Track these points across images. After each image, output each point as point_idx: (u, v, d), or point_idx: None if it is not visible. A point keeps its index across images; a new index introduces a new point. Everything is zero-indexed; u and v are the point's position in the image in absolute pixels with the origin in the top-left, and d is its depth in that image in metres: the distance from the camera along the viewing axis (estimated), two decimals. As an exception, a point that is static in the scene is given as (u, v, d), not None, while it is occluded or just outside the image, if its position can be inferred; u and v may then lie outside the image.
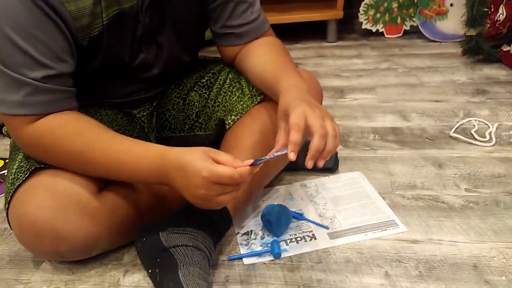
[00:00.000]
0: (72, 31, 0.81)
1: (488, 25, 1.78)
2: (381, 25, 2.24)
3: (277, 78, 0.93)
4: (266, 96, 1.01)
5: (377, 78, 1.79)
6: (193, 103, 1.09)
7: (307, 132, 0.79)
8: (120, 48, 0.92)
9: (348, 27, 2.41)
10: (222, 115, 1.05)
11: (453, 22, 2.07)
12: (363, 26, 2.25)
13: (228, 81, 1.08)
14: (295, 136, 0.77)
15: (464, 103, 1.52)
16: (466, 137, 1.28)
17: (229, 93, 1.06)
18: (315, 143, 0.76)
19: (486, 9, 1.73)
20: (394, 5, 2.19)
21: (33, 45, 0.76)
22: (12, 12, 0.74)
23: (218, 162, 0.74)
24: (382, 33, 2.26)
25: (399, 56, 2.01)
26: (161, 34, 0.97)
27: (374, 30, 2.25)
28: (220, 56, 1.11)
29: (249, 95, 1.03)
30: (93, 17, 0.83)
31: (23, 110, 0.78)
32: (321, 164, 0.78)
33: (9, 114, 0.80)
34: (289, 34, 2.29)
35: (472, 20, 1.75)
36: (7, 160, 1.32)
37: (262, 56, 1.01)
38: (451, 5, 2.08)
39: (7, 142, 1.38)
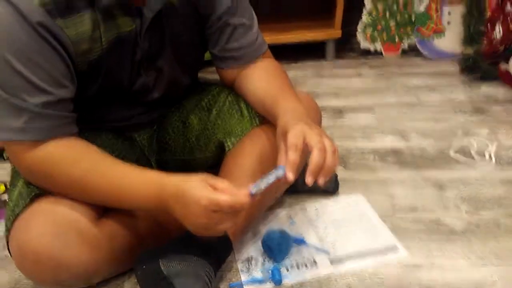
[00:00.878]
0: (71, 56, 0.82)
1: (485, 43, 1.79)
2: (379, 44, 2.25)
3: (275, 101, 0.93)
4: (265, 119, 1.01)
5: (376, 97, 1.80)
6: (192, 126, 1.09)
7: (306, 154, 0.79)
8: (119, 72, 0.92)
9: (346, 46, 2.42)
10: (221, 137, 1.05)
11: (450, 40, 2.09)
12: (361, 45, 2.27)
13: (227, 103, 1.08)
14: (293, 156, 0.76)
15: (463, 122, 1.52)
16: (466, 157, 1.28)
17: (229, 116, 1.06)
18: (315, 157, 0.76)
19: (482, 28, 1.75)
20: (392, 23, 2.20)
21: (33, 70, 0.76)
22: (13, 38, 0.75)
23: (217, 190, 0.73)
24: (380, 52, 2.27)
25: (398, 75, 2.02)
26: (160, 58, 0.97)
27: (372, 49, 2.27)
28: (219, 78, 1.12)
29: (248, 118, 1.03)
30: (92, 42, 0.84)
31: (23, 136, 0.79)
32: (321, 181, 0.76)
33: (9, 140, 0.80)
34: (287, 53, 2.31)
35: (469, 38, 1.78)
36: (8, 185, 1.32)
37: (260, 79, 1.01)
38: (448, 23, 2.10)
39: (7, 165, 1.38)
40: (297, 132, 0.78)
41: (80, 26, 0.80)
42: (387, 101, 1.75)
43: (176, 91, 1.09)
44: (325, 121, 1.43)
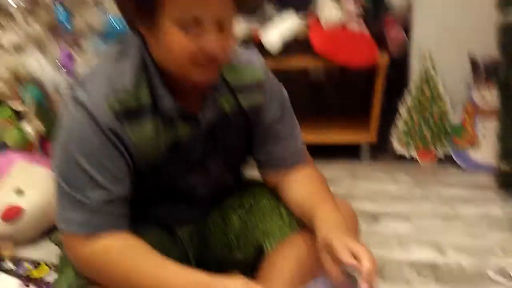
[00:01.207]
0: (133, 158, 0.88)
1: (522, 161, 1.81)
2: (414, 151, 2.29)
3: (314, 208, 0.96)
4: (305, 224, 1.03)
5: (412, 205, 1.81)
6: (233, 225, 1.12)
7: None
8: (173, 173, 0.98)
9: (381, 148, 2.46)
10: (260, 239, 1.06)
11: (485, 152, 2.11)
12: (397, 151, 2.31)
13: (268, 205, 1.11)
14: (367, 264, 0.77)
15: (501, 240, 1.50)
16: (506, 280, 1.24)
17: (269, 218, 1.08)
18: (367, 266, 0.77)
19: (519, 145, 1.77)
20: (427, 133, 2.26)
21: (98, 170, 0.82)
22: (84, 140, 0.82)
23: None
24: (415, 158, 2.30)
25: (433, 183, 2.03)
26: (210, 161, 1.02)
27: (407, 154, 2.30)
28: (261, 178, 1.16)
29: (288, 222, 1.05)
30: (152, 145, 0.90)
31: (82, 229, 0.83)
32: None
33: (69, 232, 0.84)
34: (323, 152, 2.36)
35: (504, 154, 1.79)
36: (50, 266, 1.35)
37: (300, 185, 1.04)
38: (483, 136, 2.14)
39: (47, 245, 1.42)
40: (343, 244, 0.80)
41: (143, 131, 0.87)
42: (423, 211, 1.75)
43: (221, 190, 1.13)
44: (361, 226, 1.44)
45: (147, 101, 0.87)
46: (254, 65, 1.01)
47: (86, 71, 0.92)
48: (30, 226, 1.53)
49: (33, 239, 1.57)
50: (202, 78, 0.84)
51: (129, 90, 0.84)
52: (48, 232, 1.47)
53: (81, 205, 0.82)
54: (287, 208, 1.07)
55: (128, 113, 0.84)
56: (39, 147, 1.58)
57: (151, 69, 0.86)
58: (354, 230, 1.09)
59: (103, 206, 0.83)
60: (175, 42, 0.78)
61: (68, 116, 0.83)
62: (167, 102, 0.87)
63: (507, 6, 1.66)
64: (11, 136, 1.56)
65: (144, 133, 0.87)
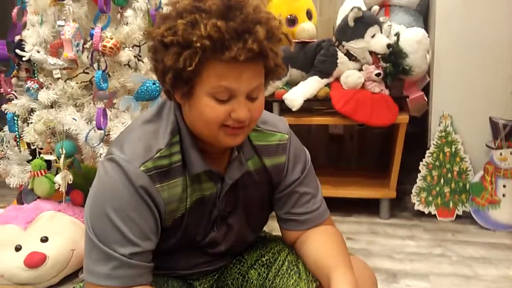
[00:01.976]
0: (161, 214, 0.92)
1: (543, 222, 1.80)
2: (433, 208, 2.29)
3: (330, 269, 0.97)
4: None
5: (431, 264, 1.80)
6: (251, 281, 1.14)
7: None
8: (196, 228, 1.02)
9: (400, 204, 2.46)
10: (278, 298, 1.08)
11: (506, 212, 2.11)
12: (416, 207, 2.31)
13: (286, 263, 1.13)
14: None
15: (522, 303, 1.48)
16: None
17: (287, 276, 1.10)
18: None
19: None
20: (446, 190, 2.26)
21: (127, 225, 0.86)
22: (117, 196, 0.86)
23: None
24: (434, 215, 2.30)
25: (452, 242, 2.02)
26: (232, 217, 1.06)
27: (426, 211, 2.31)
28: (281, 235, 1.19)
29: (305, 280, 1.07)
30: (179, 202, 0.95)
31: (109, 282, 0.86)
32: None
33: (96, 285, 0.88)
34: (342, 206, 2.38)
35: (526, 216, 1.79)
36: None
37: (318, 244, 1.06)
38: (504, 195, 2.14)
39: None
40: None
41: (173, 189, 0.92)
42: (442, 270, 1.73)
43: (242, 246, 1.16)
44: (379, 285, 1.43)
45: (177, 160, 0.92)
46: (279, 127, 1.06)
47: (123, 131, 0.99)
48: (52, 272, 1.57)
49: (53, 286, 1.61)
50: (229, 141, 0.89)
51: (163, 150, 0.90)
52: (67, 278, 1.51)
53: (110, 258, 0.86)
54: (305, 264, 1.09)
55: (161, 173, 0.90)
56: (67, 197, 1.65)
57: (183, 131, 0.92)
58: (372, 290, 1.10)
59: (129, 260, 0.86)
60: (207, 109, 0.83)
61: (104, 174, 0.89)
62: (196, 162, 0.93)
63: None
64: (40, 186, 1.63)
65: (174, 191, 0.92)
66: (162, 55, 0.82)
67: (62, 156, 1.55)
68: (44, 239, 1.54)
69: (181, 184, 0.93)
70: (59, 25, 1.62)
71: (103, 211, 0.87)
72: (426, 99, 2.34)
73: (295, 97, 2.16)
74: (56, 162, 1.59)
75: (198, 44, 0.77)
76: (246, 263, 1.17)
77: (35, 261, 1.51)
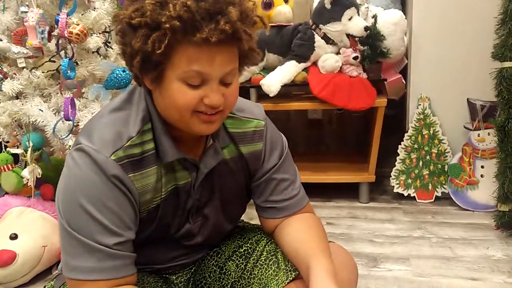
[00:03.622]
0: (137, 204, 0.89)
1: (521, 202, 1.81)
2: (413, 190, 2.30)
3: (308, 257, 0.96)
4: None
5: (411, 247, 1.80)
6: (229, 272, 1.11)
7: None
8: (170, 219, 0.99)
9: (380, 188, 2.46)
10: (256, 289, 1.06)
11: (484, 192, 2.11)
12: (395, 190, 2.31)
13: (265, 253, 1.10)
14: None
15: (502, 284, 1.49)
16: (507, 328, 1.23)
17: (265, 266, 1.08)
18: None
19: (517, 187, 1.78)
20: (425, 172, 2.27)
21: (106, 215, 0.83)
22: (90, 186, 0.83)
23: None
24: (413, 197, 2.30)
25: (432, 223, 2.02)
26: (208, 207, 1.03)
27: (405, 194, 2.31)
28: (260, 224, 1.16)
29: (284, 270, 1.05)
30: (154, 192, 0.91)
31: (95, 275, 0.82)
32: None
33: (81, 280, 0.83)
34: (322, 191, 2.37)
35: (503, 196, 1.80)
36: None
37: (297, 232, 1.04)
38: (482, 176, 2.15)
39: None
40: None
41: (147, 179, 0.89)
42: (422, 253, 1.74)
43: (219, 236, 1.13)
44: (360, 269, 1.43)
45: (150, 149, 0.89)
46: (254, 114, 1.03)
47: (91, 119, 0.94)
48: (22, 270, 1.52)
49: (25, 284, 1.57)
50: (203, 129, 0.86)
51: (134, 138, 0.86)
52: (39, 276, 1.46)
53: (93, 251, 0.82)
54: (284, 253, 1.07)
55: (133, 162, 0.86)
56: (36, 191, 1.59)
57: (155, 118, 0.89)
58: (351, 280, 1.09)
59: (115, 251, 0.83)
60: (178, 95, 0.80)
61: (74, 165, 0.85)
62: (169, 150, 0.89)
63: (503, 56, 1.70)
64: (8, 181, 1.57)
65: (147, 181, 0.89)
66: (130, 38, 0.78)
67: (29, 149, 1.49)
68: (14, 236, 1.49)
69: (155, 174, 0.90)
70: (22, 11, 1.54)
71: (77, 203, 0.83)
72: (404, 82, 2.33)
73: (272, 82, 2.12)
74: (24, 156, 1.53)
75: (167, 25, 0.73)
76: (223, 255, 1.15)
77: (4, 259, 1.46)
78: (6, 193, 1.62)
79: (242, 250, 1.13)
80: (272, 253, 1.09)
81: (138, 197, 0.88)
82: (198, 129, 0.85)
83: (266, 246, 1.11)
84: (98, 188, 0.83)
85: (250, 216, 1.11)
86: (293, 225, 1.07)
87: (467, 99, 2.15)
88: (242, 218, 1.21)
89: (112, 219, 0.83)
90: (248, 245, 1.14)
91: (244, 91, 2.28)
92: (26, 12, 1.51)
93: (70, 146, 1.47)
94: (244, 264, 1.10)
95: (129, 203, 0.86)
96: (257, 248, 1.12)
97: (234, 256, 1.13)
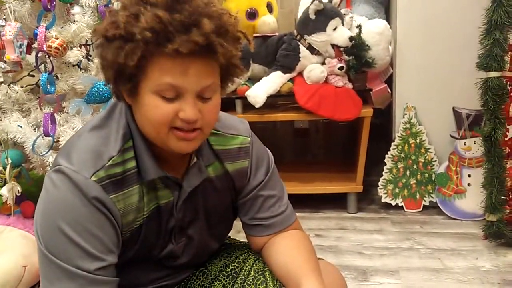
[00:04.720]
0: (120, 226, 0.86)
1: (508, 211, 1.81)
2: (400, 199, 2.29)
3: (298, 276, 0.93)
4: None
5: (400, 259, 1.78)
6: (216, 294, 1.08)
7: None
8: (153, 239, 0.95)
9: (367, 197, 2.45)
10: (244, 310, 1.03)
11: (472, 201, 2.11)
12: (383, 200, 2.31)
13: (252, 272, 1.08)
14: None
15: (491, 295, 1.48)
16: None
17: (253, 286, 1.05)
18: None
19: (504, 197, 1.78)
20: (413, 181, 2.26)
21: (87, 239, 0.79)
22: (69, 209, 0.79)
23: None
24: (401, 207, 2.30)
25: (421, 234, 2.01)
26: (192, 227, 1.00)
27: (393, 203, 2.30)
28: (247, 241, 1.13)
29: (273, 289, 1.02)
30: (136, 212, 0.88)
31: None
32: None
33: None
34: (309, 202, 2.35)
35: (491, 206, 1.79)
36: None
37: (286, 250, 1.02)
38: (469, 184, 2.15)
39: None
40: None
41: (129, 199, 0.86)
42: (411, 265, 1.72)
43: (204, 256, 1.10)
44: (349, 283, 1.41)
45: (132, 167, 0.86)
46: (239, 130, 1.01)
47: (70, 139, 0.91)
48: (0, 292, 1.47)
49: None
50: (181, 147, 0.83)
51: (115, 157, 0.83)
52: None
53: (74, 276, 0.78)
54: (272, 273, 1.05)
55: (114, 182, 0.83)
56: (16, 209, 1.55)
57: (136, 135, 0.86)
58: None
59: (97, 276, 0.79)
60: (153, 109, 0.78)
61: (52, 187, 0.81)
62: (151, 168, 0.86)
63: (488, 66, 1.70)
64: (-14, 199, 1.52)
65: (129, 200, 0.86)
66: (106, 51, 0.76)
67: (8, 166, 1.44)
68: (-9, 256, 1.44)
69: (137, 193, 0.87)
70: (-1, 25, 1.50)
71: (56, 227, 0.79)
72: (390, 91, 2.33)
73: (258, 93, 2.10)
74: (2, 173, 1.48)
75: (140, 37, 0.71)
76: (210, 275, 1.11)
77: (-17, 280, 1.41)
78: (-16, 211, 1.57)
79: (229, 270, 1.10)
80: (260, 273, 1.06)
81: (120, 219, 0.85)
82: (176, 146, 0.82)
83: (254, 265, 1.08)
84: (78, 211, 0.79)
85: (238, 229, 1.08)
86: (281, 242, 1.04)
87: (453, 107, 2.16)
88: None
89: (93, 243, 0.80)
90: (235, 264, 1.11)
91: (229, 102, 2.25)
92: (3, 25, 1.47)
93: (50, 162, 1.42)
94: (231, 284, 1.07)
95: (111, 226, 0.83)
96: (244, 267, 1.09)
97: (221, 275, 1.10)
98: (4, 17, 1.49)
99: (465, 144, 2.14)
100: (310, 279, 0.93)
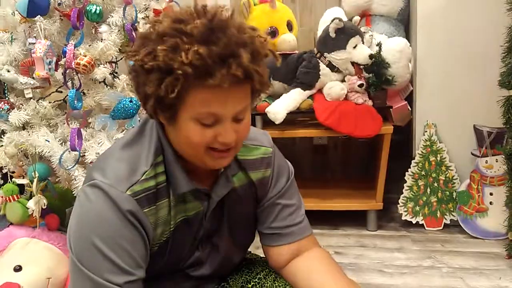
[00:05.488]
0: (150, 240, 0.88)
1: (532, 231, 1.78)
2: (421, 217, 2.27)
3: None
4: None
5: (421, 277, 1.76)
6: (236, 308, 1.09)
7: None
8: (180, 250, 0.97)
9: (387, 215, 2.43)
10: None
11: (494, 220, 2.08)
12: (403, 217, 2.28)
13: (274, 288, 1.08)
14: None
15: (516, 316, 1.45)
16: None
17: (274, 303, 1.05)
18: None
19: (528, 216, 1.75)
20: (433, 199, 2.24)
21: (118, 253, 0.81)
22: (102, 223, 0.81)
23: None
24: (422, 225, 2.27)
25: (442, 253, 1.99)
26: (217, 235, 1.02)
27: (414, 221, 2.28)
28: (266, 258, 1.13)
29: (294, 306, 1.02)
30: (164, 226, 0.90)
31: None
32: None
33: None
34: (328, 219, 2.34)
35: (514, 225, 1.77)
36: None
37: (313, 270, 1.01)
38: (491, 203, 2.12)
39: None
40: None
41: (159, 212, 0.88)
42: (433, 283, 1.70)
43: (227, 267, 1.11)
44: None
45: (162, 181, 0.89)
46: (262, 141, 1.04)
47: (103, 155, 0.94)
48: (26, 303, 1.49)
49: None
50: (217, 165, 0.88)
51: (147, 172, 0.86)
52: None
53: None
54: (292, 289, 1.05)
55: (149, 195, 0.86)
56: (42, 222, 1.58)
57: (167, 150, 0.89)
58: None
59: None
60: (192, 133, 0.80)
61: (87, 201, 0.84)
62: (182, 182, 0.89)
63: (510, 84, 1.70)
64: (13, 212, 1.55)
65: (160, 214, 0.89)
66: (143, 80, 0.78)
67: (35, 180, 1.48)
68: (18, 268, 1.46)
69: (166, 206, 0.90)
70: (30, 43, 1.55)
71: (89, 240, 0.81)
72: (410, 109, 2.33)
73: (278, 110, 2.12)
74: (29, 186, 1.51)
75: (180, 72, 0.73)
76: (231, 289, 1.12)
77: (7, 292, 1.43)
78: (11, 223, 1.60)
79: (250, 286, 1.10)
80: (281, 288, 1.07)
81: (151, 232, 0.87)
82: (213, 164, 0.86)
83: (275, 282, 1.09)
84: (111, 225, 0.82)
85: (257, 245, 1.09)
86: (306, 262, 1.03)
87: (474, 125, 2.14)
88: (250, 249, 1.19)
89: (124, 257, 0.82)
90: (256, 280, 1.11)
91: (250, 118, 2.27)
92: (34, 43, 1.52)
93: (76, 176, 1.46)
94: (252, 300, 1.08)
95: (141, 240, 0.85)
96: (266, 284, 1.09)
97: (242, 291, 1.10)
98: (35, 35, 1.54)
99: (486, 162, 2.12)
100: None
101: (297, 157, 2.79)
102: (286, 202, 1.04)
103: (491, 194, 2.13)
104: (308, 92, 2.17)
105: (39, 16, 1.53)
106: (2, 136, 1.55)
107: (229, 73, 0.73)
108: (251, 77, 0.77)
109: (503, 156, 1.84)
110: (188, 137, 0.81)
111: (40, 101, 1.57)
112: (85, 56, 1.51)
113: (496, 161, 2.09)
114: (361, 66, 2.10)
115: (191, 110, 0.78)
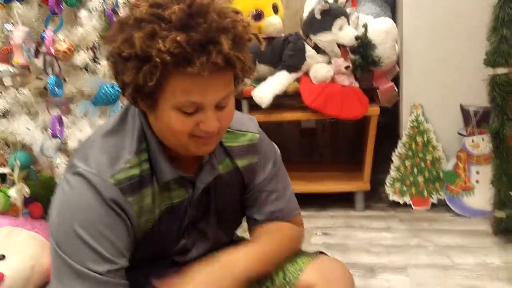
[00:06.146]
0: (134, 228, 0.87)
1: (517, 208, 1.80)
2: (408, 197, 2.28)
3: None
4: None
5: (408, 256, 1.78)
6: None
7: None
8: (166, 237, 0.96)
9: (374, 195, 2.44)
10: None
11: (480, 198, 2.10)
12: (390, 198, 2.30)
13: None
14: None
15: (501, 292, 1.47)
16: None
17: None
18: None
19: (513, 193, 1.77)
20: (420, 179, 2.25)
21: (100, 242, 0.80)
22: (84, 211, 0.80)
23: None
24: (409, 205, 2.29)
25: (429, 231, 2.01)
26: (203, 222, 1.01)
27: (401, 201, 2.29)
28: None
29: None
30: (149, 214, 0.89)
31: None
32: None
33: None
34: (317, 201, 2.35)
35: (500, 203, 1.78)
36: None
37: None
38: (477, 181, 2.14)
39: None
40: None
41: (143, 200, 0.87)
42: (419, 261, 1.72)
43: (214, 251, 1.11)
44: (357, 280, 1.40)
45: (146, 169, 0.87)
46: (248, 127, 1.02)
47: (85, 143, 0.92)
48: (10, 292, 1.48)
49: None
50: (201, 151, 0.86)
51: (131, 159, 0.85)
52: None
53: (85, 278, 0.79)
54: (278, 273, 1.05)
55: (133, 184, 0.85)
56: (24, 210, 1.56)
57: (150, 138, 0.87)
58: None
59: (107, 278, 0.80)
60: (174, 121, 0.79)
61: (69, 189, 0.83)
62: (166, 169, 0.88)
63: (495, 63, 1.70)
64: (-5, 200, 1.54)
65: (143, 202, 0.87)
66: (121, 68, 0.76)
67: (17, 168, 1.46)
68: (1, 257, 1.45)
69: (150, 194, 0.88)
70: (7, 30, 1.52)
71: (70, 228, 0.80)
72: (397, 90, 2.32)
73: (264, 93, 2.10)
74: (11, 175, 1.50)
75: (158, 60, 0.71)
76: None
77: (-9, 281, 1.42)
78: (-6, 213, 1.59)
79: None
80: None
81: (135, 221, 0.86)
82: (197, 151, 0.85)
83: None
84: (94, 213, 0.81)
85: (245, 228, 1.09)
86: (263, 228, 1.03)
87: (460, 105, 2.15)
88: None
89: (106, 246, 0.81)
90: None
91: (235, 103, 2.25)
92: (12, 30, 1.48)
93: (58, 164, 1.44)
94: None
95: (125, 229, 0.84)
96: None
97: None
98: (12, 21, 1.51)
99: (473, 141, 2.13)
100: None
101: (284, 140, 2.79)
102: (273, 187, 1.04)
103: (477, 172, 2.15)
104: (295, 75, 2.15)
105: (16, 1, 1.50)
106: (-17, 125, 1.52)
107: (209, 61, 0.71)
108: (233, 64, 0.75)
109: (489, 135, 1.85)
110: (169, 125, 0.79)
111: (20, 88, 1.54)
112: (65, 42, 1.48)
113: (483, 140, 2.11)
114: (347, 48, 2.09)
115: (172, 98, 0.76)
